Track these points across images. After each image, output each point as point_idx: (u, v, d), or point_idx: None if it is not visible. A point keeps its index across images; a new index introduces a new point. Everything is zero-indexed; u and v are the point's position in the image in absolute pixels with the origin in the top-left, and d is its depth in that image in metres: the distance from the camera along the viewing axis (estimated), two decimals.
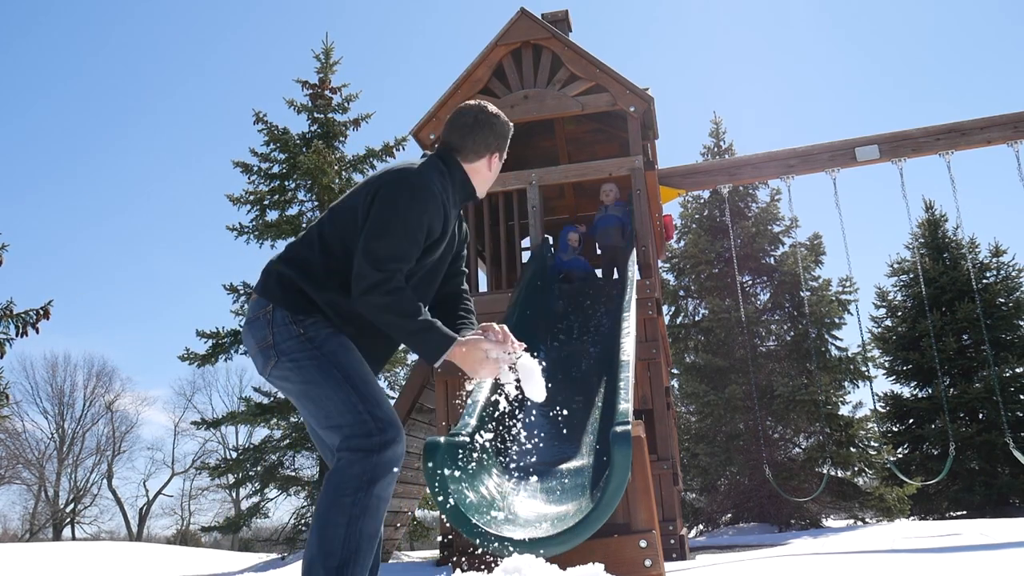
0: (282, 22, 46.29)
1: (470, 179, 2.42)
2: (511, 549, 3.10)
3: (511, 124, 2.51)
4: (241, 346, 11.79)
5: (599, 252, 8.05)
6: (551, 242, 7.64)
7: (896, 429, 16.36)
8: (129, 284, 45.75)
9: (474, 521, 3.26)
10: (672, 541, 6.21)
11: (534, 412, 5.09)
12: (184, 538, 28.41)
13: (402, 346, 2.58)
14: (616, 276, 7.55)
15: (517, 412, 4.98)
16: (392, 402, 8.61)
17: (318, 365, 2.16)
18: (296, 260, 2.27)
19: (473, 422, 3.98)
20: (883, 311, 17.41)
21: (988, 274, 16.49)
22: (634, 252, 6.78)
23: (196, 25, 45.59)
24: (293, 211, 12.43)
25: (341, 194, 11.94)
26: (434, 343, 2.14)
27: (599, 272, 8.00)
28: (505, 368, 2.20)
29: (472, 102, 2.49)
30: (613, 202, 7.85)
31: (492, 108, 2.46)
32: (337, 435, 2.14)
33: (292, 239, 2.41)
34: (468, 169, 2.42)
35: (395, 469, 2.13)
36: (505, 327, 2.27)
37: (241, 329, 2.38)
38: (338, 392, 2.13)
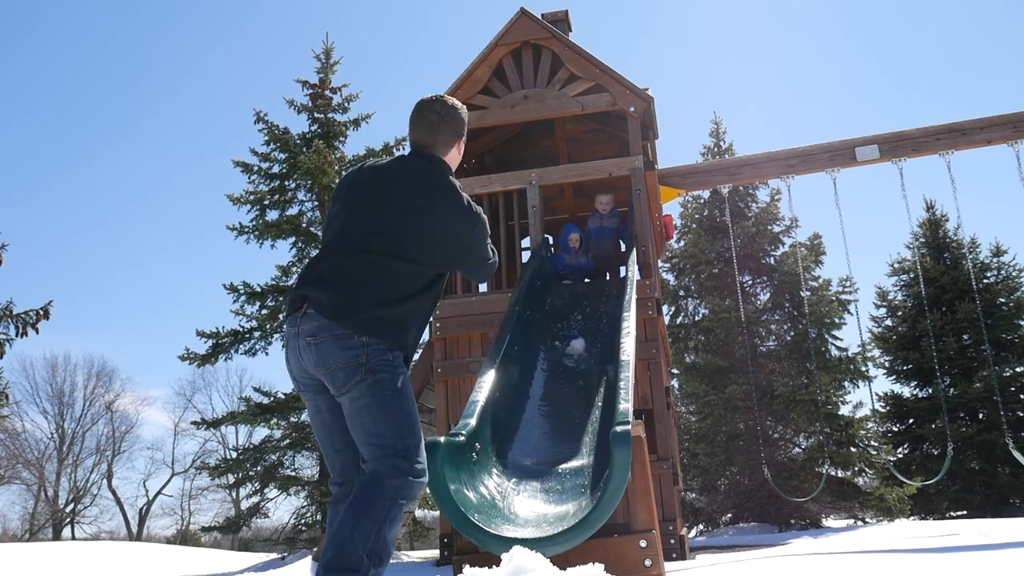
0: (282, 22, 46.33)
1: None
2: (511, 549, 3.10)
3: (464, 107, 2.79)
4: (241, 345, 11.78)
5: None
6: (551, 242, 7.64)
7: (896, 429, 16.35)
8: (129, 284, 45.79)
9: (474, 521, 3.26)
10: (672, 541, 6.20)
11: (534, 412, 5.10)
12: (184, 538, 28.42)
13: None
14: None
15: (517, 412, 4.98)
16: None
17: (394, 393, 2.41)
18: (383, 298, 2.50)
19: (473, 422, 3.98)
20: (883, 311, 17.40)
21: (988, 274, 16.48)
22: (634, 252, 6.78)
23: (196, 25, 45.62)
24: (293, 211, 12.43)
25: None
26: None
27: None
28: None
29: (429, 97, 2.72)
30: (608, 212, 7.80)
31: (450, 100, 2.72)
32: (379, 451, 2.38)
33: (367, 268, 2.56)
34: (447, 159, 2.72)
35: (418, 497, 2.42)
36: None
37: (314, 339, 2.42)
38: (402, 420, 2.40)
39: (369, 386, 2.40)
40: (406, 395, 2.45)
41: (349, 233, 2.55)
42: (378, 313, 2.45)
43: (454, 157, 2.73)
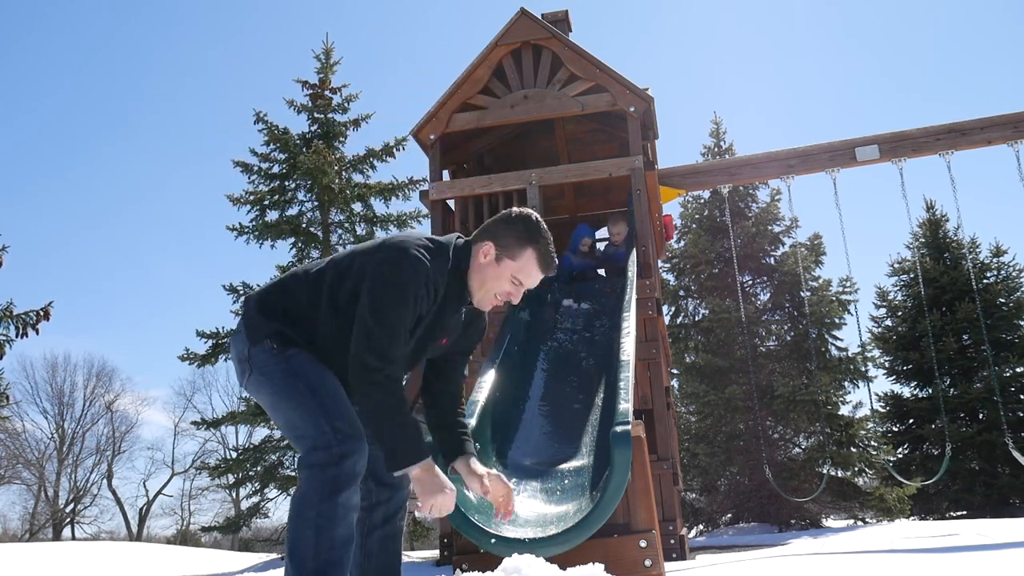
0: (282, 22, 46.35)
1: (469, 271, 2.30)
2: (511, 549, 3.10)
3: (542, 240, 2.30)
4: None
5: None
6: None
7: (896, 429, 16.35)
8: (129, 284, 45.81)
9: (474, 521, 3.26)
10: (672, 541, 6.20)
11: (535, 412, 5.10)
12: (184, 538, 28.43)
13: None
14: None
15: (517, 412, 4.98)
16: None
17: (285, 377, 2.20)
18: (281, 306, 2.30)
19: (473, 422, 3.98)
20: (883, 311, 17.40)
21: (988, 274, 16.47)
22: (634, 252, 6.78)
23: (196, 25, 45.64)
24: (293, 211, 12.42)
25: (341, 194, 12.01)
26: (404, 451, 2.13)
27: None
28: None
29: (528, 210, 2.38)
30: (622, 240, 7.64)
31: (530, 215, 2.33)
32: (301, 447, 2.17)
33: (281, 276, 2.43)
34: (473, 253, 2.31)
35: (357, 480, 2.13)
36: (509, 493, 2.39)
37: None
38: (302, 403, 2.17)
39: (261, 383, 2.26)
40: (302, 373, 2.21)
41: None
42: (265, 314, 2.31)
43: (476, 256, 2.30)
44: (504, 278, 2.30)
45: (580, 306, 6.76)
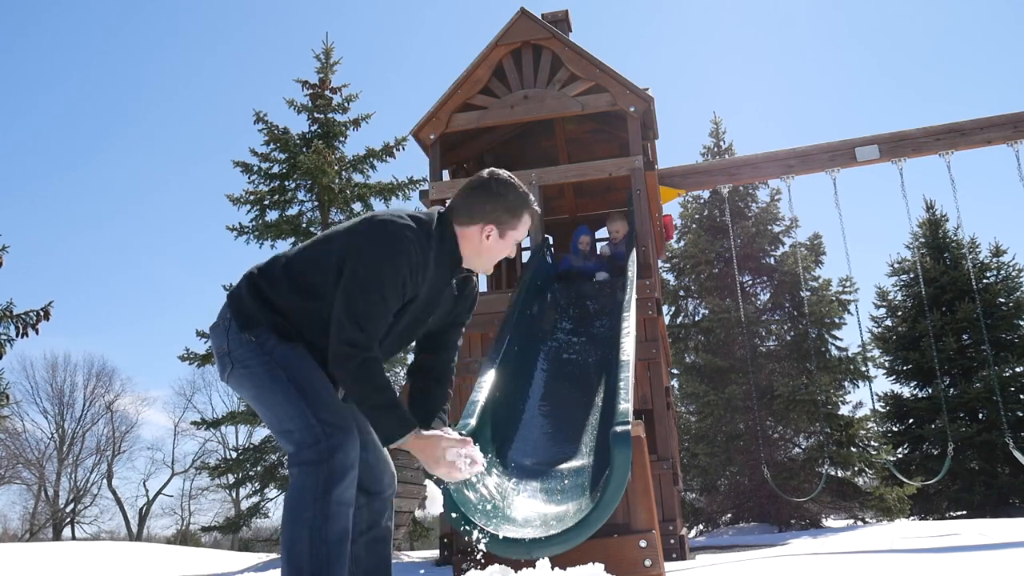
0: (282, 22, 46.33)
1: (458, 245, 2.26)
2: (511, 549, 3.10)
3: (529, 201, 2.31)
4: None
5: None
6: (551, 242, 7.63)
7: (896, 429, 16.36)
8: (129, 284, 45.78)
9: (474, 521, 3.26)
10: (672, 541, 6.21)
11: (535, 412, 5.10)
12: (184, 538, 28.41)
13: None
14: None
15: (518, 412, 4.98)
16: None
17: (267, 369, 2.13)
18: (265, 278, 2.25)
19: (473, 422, 3.98)
20: (883, 311, 17.41)
21: (988, 274, 16.49)
22: (634, 252, 6.78)
23: (196, 25, 45.64)
24: (293, 211, 12.43)
25: (341, 194, 12.01)
26: (392, 426, 2.09)
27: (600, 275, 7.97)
28: (464, 467, 2.16)
29: (495, 169, 2.35)
30: (621, 238, 7.67)
31: (508, 177, 2.31)
32: (289, 443, 2.12)
33: (292, 246, 2.41)
34: (459, 233, 2.27)
35: (351, 474, 2.10)
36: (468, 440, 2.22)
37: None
38: (286, 395, 2.11)
39: (242, 377, 2.19)
40: (284, 364, 2.14)
41: None
42: (249, 285, 2.24)
43: (471, 238, 2.26)
44: (509, 246, 2.33)
45: (580, 306, 6.76)
